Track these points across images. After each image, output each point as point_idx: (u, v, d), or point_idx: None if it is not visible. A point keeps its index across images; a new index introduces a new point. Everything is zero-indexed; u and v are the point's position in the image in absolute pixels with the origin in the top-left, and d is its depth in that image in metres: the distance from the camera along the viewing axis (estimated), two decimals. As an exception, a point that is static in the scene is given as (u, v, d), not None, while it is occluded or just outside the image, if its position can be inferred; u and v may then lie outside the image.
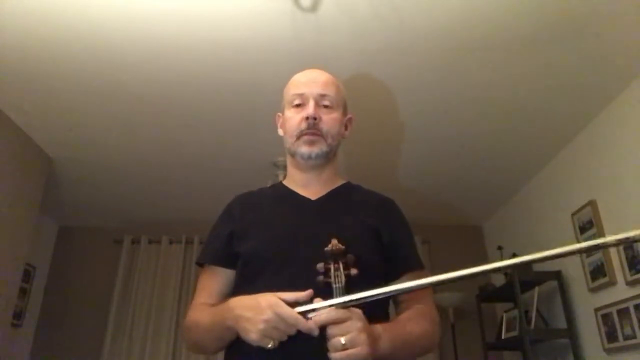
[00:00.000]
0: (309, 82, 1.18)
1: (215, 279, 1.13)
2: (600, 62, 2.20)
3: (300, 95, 1.16)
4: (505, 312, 3.25)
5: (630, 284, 2.31)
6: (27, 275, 3.53)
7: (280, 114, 1.24)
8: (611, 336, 2.43)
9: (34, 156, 2.91)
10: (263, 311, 0.88)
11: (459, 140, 2.87)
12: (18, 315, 3.44)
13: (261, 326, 0.87)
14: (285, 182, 1.23)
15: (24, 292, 3.52)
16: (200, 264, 1.17)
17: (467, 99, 2.50)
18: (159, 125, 2.73)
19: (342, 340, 0.84)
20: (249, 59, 2.20)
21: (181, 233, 4.02)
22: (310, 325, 0.86)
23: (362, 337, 0.85)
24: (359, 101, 2.49)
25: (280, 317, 0.86)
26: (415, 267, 1.11)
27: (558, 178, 3.04)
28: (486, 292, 3.46)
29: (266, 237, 1.08)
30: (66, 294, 3.88)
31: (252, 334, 0.88)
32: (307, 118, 1.11)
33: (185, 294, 3.89)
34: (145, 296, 3.85)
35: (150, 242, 4.06)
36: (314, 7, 1.93)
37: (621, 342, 2.35)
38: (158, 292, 3.87)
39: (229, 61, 2.21)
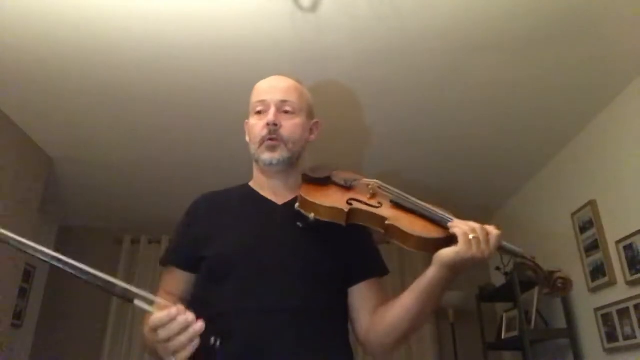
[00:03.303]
0: (271, 88, 1.19)
1: (176, 281, 1.12)
2: (600, 62, 2.20)
3: (262, 102, 1.17)
4: (505, 312, 3.25)
5: (630, 284, 2.31)
6: (27, 275, 3.53)
7: (247, 121, 1.25)
8: (611, 336, 2.43)
9: (34, 156, 2.91)
10: (151, 337, 0.85)
11: (458, 140, 2.87)
12: (18, 315, 3.44)
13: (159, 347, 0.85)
14: (251, 184, 1.23)
15: (24, 292, 3.52)
16: (163, 264, 1.17)
17: (467, 99, 2.50)
18: (159, 125, 2.73)
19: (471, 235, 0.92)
20: (248, 59, 2.20)
21: (181, 233, 4.02)
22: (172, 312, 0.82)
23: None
24: (358, 101, 2.50)
25: (154, 327, 0.83)
26: (375, 275, 1.13)
27: (558, 178, 3.04)
28: (486, 292, 3.46)
29: (232, 241, 1.08)
30: (66, 294, 3.88)
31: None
32: (268, 124, 1.12)
33: (185, 294, 3.89)
34: (145, 296, 3.85)
35: (150, 242, 4.07)
36: (314, 7, 1.92)
37: (621, 342, 2.35)
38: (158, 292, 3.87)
39: (228, 61, 2.21)
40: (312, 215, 1.01)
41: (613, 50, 2.13)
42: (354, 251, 1.11)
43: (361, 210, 1.00)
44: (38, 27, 2.00)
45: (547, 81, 2.34)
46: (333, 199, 1.03)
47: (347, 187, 1.08)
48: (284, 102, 1.16)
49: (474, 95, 2.47)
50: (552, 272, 1.00)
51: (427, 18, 1.96)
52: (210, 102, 2.51)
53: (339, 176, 1.12)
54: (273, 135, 1.12)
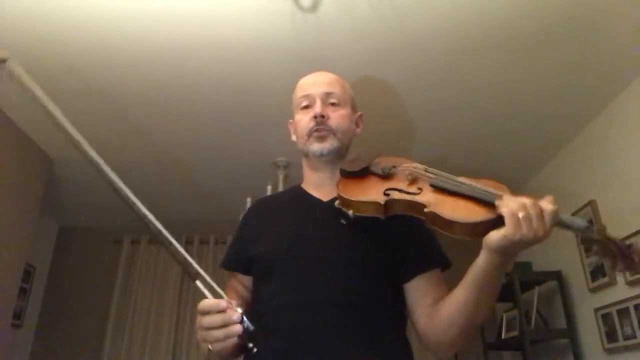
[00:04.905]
0: (314, 83, 1.20)
1: (234, 283, 1.15)
2: (600, 62, 2.20)
3: (307, 97, 1.17)
4: (505, 312, 3.25)
5: (630, 284, 2.31)
6: (27, 275, 3.53)
7: (291, 121, 1.25)
8: (611, 336, 2.43)
9: (34, 156, 2.91)
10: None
11: (458, 141, 2.87)
12: (18, 315, 3.44)
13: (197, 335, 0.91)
14: (302, 185, 1.24)
15: (24, 292, 3.52)
16: (222, 267, 1.22)
17: (467, 100, 2.50)
18: (159, 125, 2.73)
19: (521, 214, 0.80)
20: (249, 59, 2.20)
21: (181, 233, 4.02)
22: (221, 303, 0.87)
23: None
24: (358, 102, 2.50)
25: (201, 311, 0.89)
26: (429, 267, 1.06)
27: (558, 178, 3.04)
28: (486, 292, 3.46)
29: (276, 238, 1.10)
30: (66, 294, 3.88)
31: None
32: (315, 117, 1.13)
33: (185, 294, 3.89)
34: (145, 296, 3.86)
35: (150, 242, 4.07)
36: (314, 7, 1.93)
37: (621, 342, 2.35)
38: (158, 292, 3.87)
39: (229, 61, 2.21)
40: (351, 212, 0.99)
41: (613, 51, 2.13)
42: (405, 244, 1.06)
43: (399, 200, 0.94)
44: (38, 27, 2.00)
45: (547, 81, 2.35)
46: (370, 192, 0.99)
47: (386, 176, 1.03)
48: (328, 94, 1.17)
49: (474, 96, 2.47)
50: (628, 246, 0.86)
51: (427, 18, 1.97)
52: (211, 102, 2.51)
53: (378, 165, 1.07)
54: (321, 126, 1.12)
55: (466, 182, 0.94)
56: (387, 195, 0.95)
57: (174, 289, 3.89)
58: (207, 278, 0.91)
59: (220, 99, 2.48)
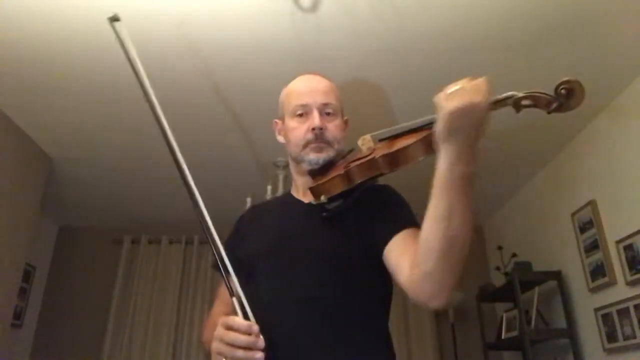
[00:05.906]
0: (311, 91, 1.19)
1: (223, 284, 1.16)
2: (600, 62, 2.20)
3: (304, 106, 1.17)
4: (505, 312, 3.25)
5: (630, 284, 2.31)
6: (27, 275, 3.53)
7: (277, 121, 1.26)
8: (611, 336, 2.43)
9: (34, 156, 2.91)
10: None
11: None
12: (18, 315, 3.44)
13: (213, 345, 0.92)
14: (291, 191, 1.26)
15: (24, 292, 3.52)
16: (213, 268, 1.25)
17: (467, 99, 2.50)
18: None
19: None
20: (248, 59, 2.20)
21: (181, 233, 4.02)
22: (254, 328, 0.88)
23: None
24: (358, 102, 2.50)
25: (223, 326, 0.90)
26: (399, 228, 1.03)
27: (558, 178, 3.04)
28: (486, 292, 3.46)
29: (257, 240, 1.14)
30: (66, 294, 3.88)
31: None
32: (314, 129, 1.12)
33: (185, 294, 3.89)
34: (145, 296, 3.86)
35: (150, 242, 4.07)
36: (314, 7, 1.93)
37: (621, 342, 2.35)
38: (158, 292, 3.87)
39: (228, 61, 2.21)
40: (322, 197, 1.04)
41: (613, 50, 2.14)
42: (375, 219, 1.07)
43: (356, 166, 1.02)
44: (38, 26, 2.00)
45: (547, 81, 2.33)
46: (333, 173, 1.06)
47: (344, 158, 1.12)
48: (325, 104, 1.17)
49: (474, 95, 2.47)
50: (555, 91, 0.91)
51: (427, 18, 1.97)
52: (211, 102, 2.51)
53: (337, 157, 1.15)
54: (320, 139, 1.13)
55: (409, 123, 1.01)
56: (347, 167, 1.04)
57: (174, 289, 3.89)
58: (244, 300, 0.94)
59: (220, 98, 2.48)
